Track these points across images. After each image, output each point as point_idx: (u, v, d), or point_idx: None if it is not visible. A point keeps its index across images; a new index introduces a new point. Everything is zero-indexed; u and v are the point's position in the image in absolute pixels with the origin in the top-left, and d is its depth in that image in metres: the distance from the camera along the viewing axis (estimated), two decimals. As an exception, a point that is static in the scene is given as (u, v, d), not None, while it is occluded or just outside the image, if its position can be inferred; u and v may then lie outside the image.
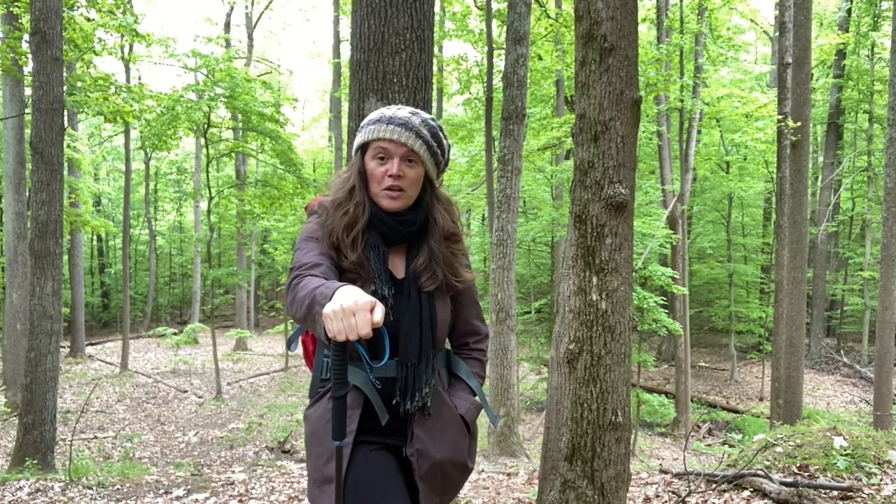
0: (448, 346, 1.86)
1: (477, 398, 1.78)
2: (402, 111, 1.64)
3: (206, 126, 12.36)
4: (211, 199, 13.08)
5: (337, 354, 1.33)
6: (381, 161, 1.63)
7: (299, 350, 1.90)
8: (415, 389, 1.59)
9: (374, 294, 1.57)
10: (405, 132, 1.60)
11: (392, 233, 1.66)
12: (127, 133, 16.79)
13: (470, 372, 1.80)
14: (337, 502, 1.43)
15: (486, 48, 10.49)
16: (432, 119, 1.68)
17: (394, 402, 1.59)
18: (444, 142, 1.70)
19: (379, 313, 1.23)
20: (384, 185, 1.62)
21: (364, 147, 1.66)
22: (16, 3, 8.40)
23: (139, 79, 24.52)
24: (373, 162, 1.64)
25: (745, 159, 17.83)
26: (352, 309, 1.21)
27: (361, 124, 1.68)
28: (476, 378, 1.80)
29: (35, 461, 5.90)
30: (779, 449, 4.09)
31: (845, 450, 3.92)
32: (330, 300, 1.26)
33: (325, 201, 1.70)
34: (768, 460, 4.00)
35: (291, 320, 17.67)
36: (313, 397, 1.70)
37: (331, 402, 1.59)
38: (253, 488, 4.91)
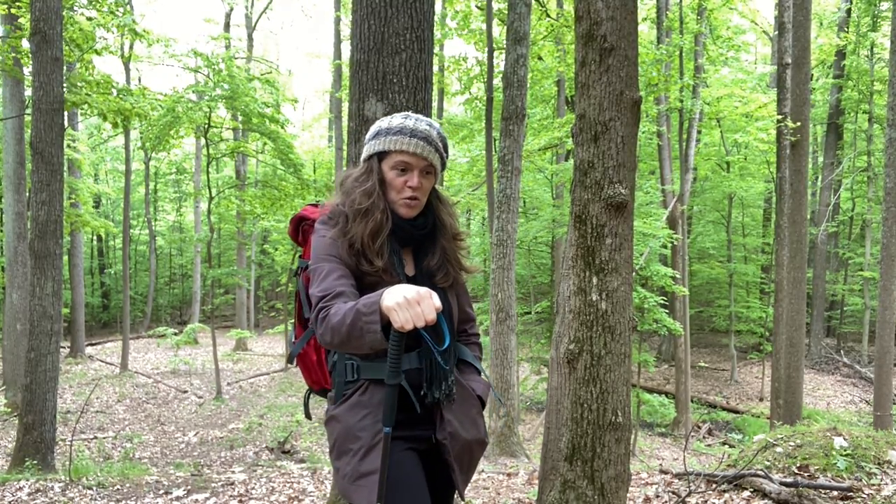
0: None
1: (485, 378, 1.92)
2: (421, 123, 1.72)
3: (206, 126, 12.36)
4: (211, 199, 13.08)
5: (396, 345, 1.43)
6: (402, 172, 1.72)
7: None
8: (441, 379, 1.68)
9: None
10: (427, 147, 1.71)
11: (407, 236, 1.77)
12: (127, 133, 16.78)
13: (473, 356, 1.92)
14: (380, 488, 1.51)
15: (486, 48, 10.49)
16: (440, 128, 1.78)
17: (421, 392, 1.68)
18: (447, 145, 1.81)
19: (437, 300, 1.37)
20: (404, 196, 1.72)
21: (382, 155, 1.74)
22: (16, 3, 8.40)
23: (139, 79, 24.56)
24: (392, 172, 1.72)
25: (745, 159, 17.83)
26: (416, 298, 1.34)
27: (378, 129, 1.75)
28: (478, 361, 1.94)
29: (35, 461, 5.90)
30: (779, 449, 4.09)
31: (845, 450, 3.92)
32: (378, 305, 1.38)
33: (339, 208, 1.74)
34: (768, 460, 4.00)
35: (292, 320, 17.75)
36: (339, 399, 1.73)
37: (348, 402, 1.72)
38: (253, 489, 4.91)
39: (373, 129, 1.78)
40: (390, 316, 1.35)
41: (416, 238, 1.79)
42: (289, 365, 1.93)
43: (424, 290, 1.36)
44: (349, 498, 1.62)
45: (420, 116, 1.76)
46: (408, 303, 1.33)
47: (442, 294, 1.77)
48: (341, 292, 1.58)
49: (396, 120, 1.74)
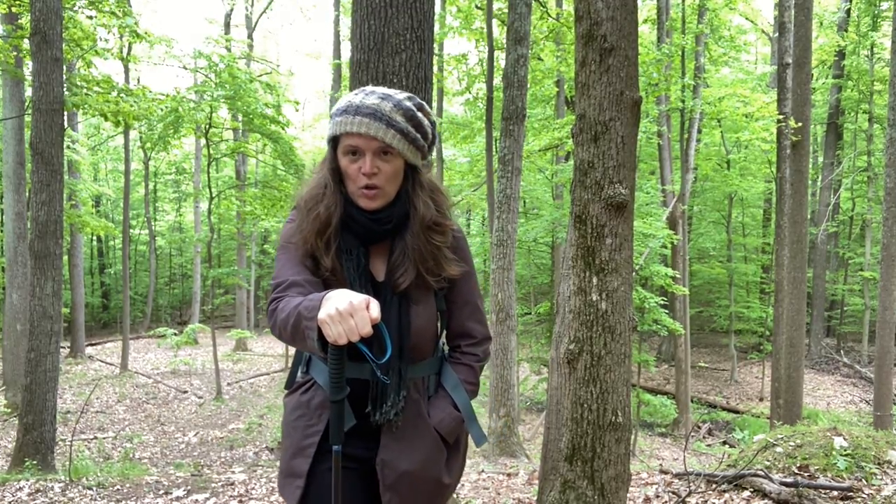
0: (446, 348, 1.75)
1: (460, 411, 1.63)
2: (372, 97, 1.46)
3: (207, 126, 12.37)
4: (211, 199, 13.08)
5: (335, 359, 1.29)
6: (354, 157, 1.48)
7: None
8: (383, 400, 1.51)
9: None
10: (374, 123, 1.43)
11: (368, 233, 1.53)
12: (126, 133, 16.78)
13: (458, 382, 1.64)
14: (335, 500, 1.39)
15: (486, 48, 10.50)
16: (408, 98, 1.51)
17: (366, 410, 1.52)
18: (425, 122, 1.53)
19: (375, 310, 1.22)
20: (360, 185, 1.48)
21: (335, 140, 1.52)
22: (17, 3, 8.41)
23: (138, 79, 24.56)
24: (345, 159, 1.49)
25: (745, 159, 17.84)
26: (348, 310, 1.19)
27: (331, 112, 1.52)
28: (464, 387, 1.64)
29: (35, 462, 5.90)
30: (779, 449, 4.09)
31: (845, 450, 3.92)
32: (319, 310, 1.23)
33: (301, 200, 1.58)
34: (768, 460, 4.00)
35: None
36: (290, 387, 1.65)
37: (293, 396, 1.63)
38: (253, 489, 4.91)
39: None
40: (323, 329, 1.21)
41: (381, 234, 1.53)
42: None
43: (360, 299, 1.20)
44: (279, 488, 1.57)
45: (376, 89, 1.50)
46: (340, 315, 1.18)
47: (403, 303, 1.53)
48: (294, 282, 1.44)
49: (345, 98, 1.49)
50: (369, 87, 1.53)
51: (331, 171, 1.53)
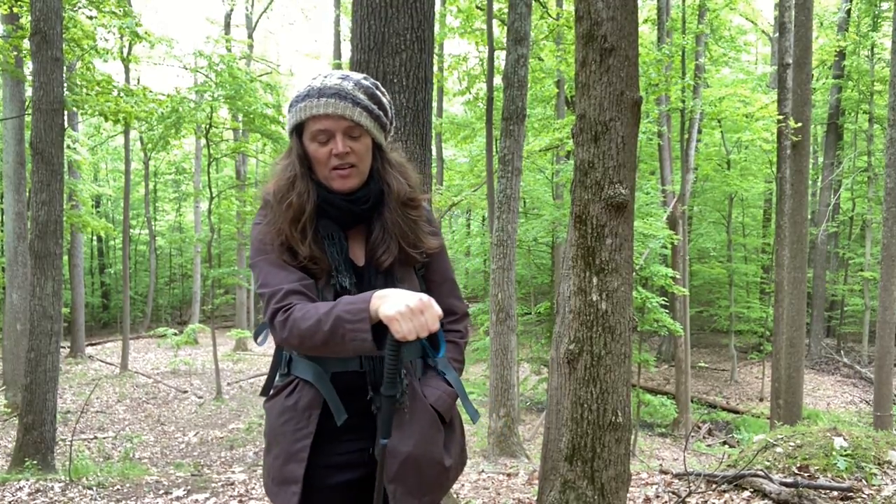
0: None
1: (448, 386, 1.62)
2: (331, 79, 1.47)
3: (208, 126, 12.37)
4: (211, 199, 13.08)
5: (394, 354, 1.33)
6: (323, 142, 1.47)
7: (269, 342, 1.79)
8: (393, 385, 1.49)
9: (334, 288, 1.49)
10: (341, 103, 1.44)
11: (346, 216, 1.52)
12: (126, 133, 16.79)
13: (446, 360, 1.64)
14: (377, 494, 1.41)
15: (487, 47, 10.50)
16: (365, 78, 1.52)
17: (367, 397, 1.51)
18: (384, 100, 1.54)
19: (438, 307, 1.29)
20: (332, 166, 1.47)
21: (300, 128, 1.50)
22: (18, 3, 8.41)
23: (138, 79, 24.56)
24: (313, 144, 1.48)
25: (745, 159, 17.83)
26: (419, 307, 1.25)
27: (291, 101, 1.51)
28: (453, 365, 1.65)
29: (35, 461, 5.90)
30: (779, 449, 4.09)
31: (845, 450, 3.92)
32: (367, 311, 1.28)
33: (269, 194, 1.54)
34: (768, 461, 4.00)
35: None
36: (268, 391, 1.62)
37: (276, 400, 1.58)
38: (253, 489, 4.91)
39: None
40: (391, 326, 1.24)
41: (360, 215, 1.53)
42: (257, 343, 1.67)
43: (426, 297, 1.26)
44: (271, 496, 1.54)
45: (333, 72, 1.50)
46: (411, 312, 1.23)
47: (385, 279, 1.53)
48: (293, 290, 1.42)
49: (305, 84, 1.49)
50: (326, 71, 1.53)
51: (298, 158, 1.51)
